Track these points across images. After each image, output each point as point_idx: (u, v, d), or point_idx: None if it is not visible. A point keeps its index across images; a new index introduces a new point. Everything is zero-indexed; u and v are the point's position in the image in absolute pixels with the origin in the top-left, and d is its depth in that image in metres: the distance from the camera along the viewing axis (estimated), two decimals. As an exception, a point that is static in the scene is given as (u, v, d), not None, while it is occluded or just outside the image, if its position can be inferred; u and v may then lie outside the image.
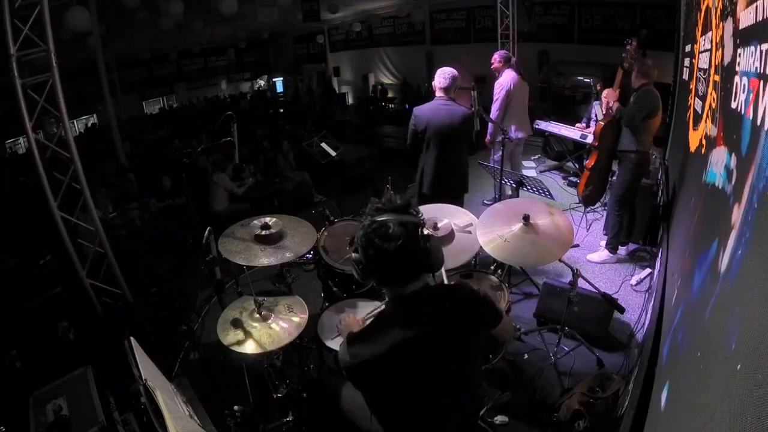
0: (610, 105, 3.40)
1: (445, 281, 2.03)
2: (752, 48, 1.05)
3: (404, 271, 1.37)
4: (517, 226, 2.23)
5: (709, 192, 1.52)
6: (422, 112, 3.18)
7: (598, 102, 4.74)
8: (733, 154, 1.19)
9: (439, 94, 3.18)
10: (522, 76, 4.69)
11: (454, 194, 3.23)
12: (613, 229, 3.64)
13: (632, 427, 1.64)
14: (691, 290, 1.44)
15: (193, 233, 4.23)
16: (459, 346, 1.39)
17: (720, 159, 1.37)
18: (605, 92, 3.55)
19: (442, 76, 3.15)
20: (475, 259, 2.80)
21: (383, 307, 1.82)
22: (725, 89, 1.42)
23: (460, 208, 2.63)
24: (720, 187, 1.31)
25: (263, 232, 2.27)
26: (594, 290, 2.62)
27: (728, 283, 0.98)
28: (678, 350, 1.44)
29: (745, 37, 1.17)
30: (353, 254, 1.41)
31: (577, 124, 5.60)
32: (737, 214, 1.00)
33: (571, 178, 5.57)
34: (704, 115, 2.01)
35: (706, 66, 2.15)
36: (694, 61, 2.81)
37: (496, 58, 4.63)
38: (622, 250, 3.78)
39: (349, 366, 1.34)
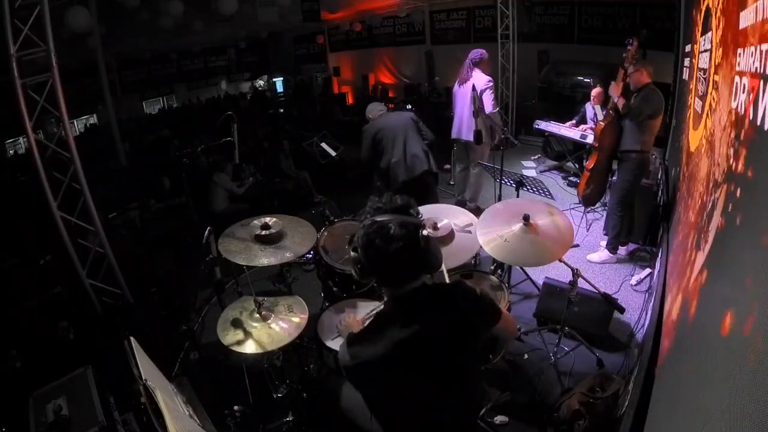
0: (615, 99, 3.38)
1: (447, 280, 2.02)
2: (752, 48, 1.05)
3: (404, 271, 1.36)
4: (517, 226, 2.23)
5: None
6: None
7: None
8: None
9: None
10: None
11: None
12: (614, 230, 3.64)
13: (632, 427, 1.64)
14: (689, 292, 1.43)
15: (193, 233, 4.22)
16: (458, 344, 1.38)
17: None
18: (611, 87, 3.48)
19: None
20: (475, 259, 2.80)
21: (382, 306, 1.82)
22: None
23: (460, 208, 2.63)
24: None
25: (263, 232, 2.27)
26: (594, 290, 2.61)
27: (729, 285, 0.98)
28: (677, 352, 1.43)
29: (745, 37, 1.17)
30: (352, 253, 1.40)
31: (568, 123, 5.60)
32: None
33: (571, 178, 5.57)
34: (704, 115, 2.01)
35: (706, 66, 2.15)
36: (694, 61, 2.82)
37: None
38: (622, 250, 3.78)
39: (349, 367, 1.33)
